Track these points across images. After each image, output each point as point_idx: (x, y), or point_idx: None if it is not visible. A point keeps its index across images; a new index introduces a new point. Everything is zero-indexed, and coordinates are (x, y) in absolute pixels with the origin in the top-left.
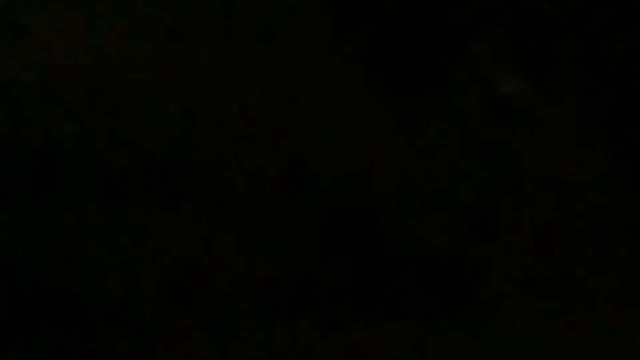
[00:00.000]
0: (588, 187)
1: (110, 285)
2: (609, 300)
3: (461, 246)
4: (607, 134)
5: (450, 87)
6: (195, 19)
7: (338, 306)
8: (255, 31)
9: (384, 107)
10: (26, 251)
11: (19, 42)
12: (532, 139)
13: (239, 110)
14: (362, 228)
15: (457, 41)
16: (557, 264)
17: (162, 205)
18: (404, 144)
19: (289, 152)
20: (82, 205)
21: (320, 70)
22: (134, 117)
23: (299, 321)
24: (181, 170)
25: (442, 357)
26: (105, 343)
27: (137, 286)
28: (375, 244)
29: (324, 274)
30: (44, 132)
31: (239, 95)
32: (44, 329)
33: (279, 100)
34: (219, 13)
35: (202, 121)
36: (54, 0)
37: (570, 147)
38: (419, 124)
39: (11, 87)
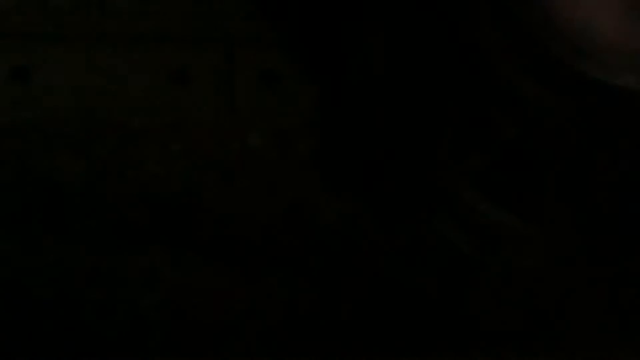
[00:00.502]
0: None
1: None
2: None
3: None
4: None
5: None
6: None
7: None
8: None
9: None
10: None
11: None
12: None
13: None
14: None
15: None
16: None
17: (166, 245)
18: None
19: (291, 192)
20: (89, 242)
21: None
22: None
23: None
24: (185, 210)
25: None
26: None
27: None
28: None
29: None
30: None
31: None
32: None
33: (280, 140)
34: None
35: (205, 160)
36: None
37: None
38: None
39: (15, 128)
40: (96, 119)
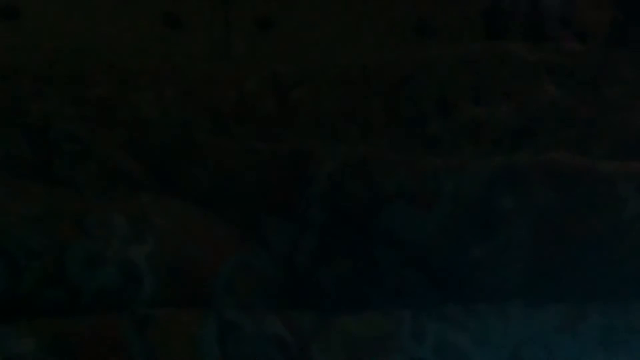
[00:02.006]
0: None
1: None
2: None
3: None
4: None
5: None
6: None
7: (338, 295)
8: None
9: None
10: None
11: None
12: None
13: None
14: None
15: None
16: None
17: (158, 192)
18: None
19: (288, 140)
20: (76, 189)
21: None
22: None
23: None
24: (179, 156)
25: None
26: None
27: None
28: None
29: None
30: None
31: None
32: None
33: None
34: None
35: (200, 106)
36: None
37: None
38: None
39: (6, 68)
40: (87, 62)
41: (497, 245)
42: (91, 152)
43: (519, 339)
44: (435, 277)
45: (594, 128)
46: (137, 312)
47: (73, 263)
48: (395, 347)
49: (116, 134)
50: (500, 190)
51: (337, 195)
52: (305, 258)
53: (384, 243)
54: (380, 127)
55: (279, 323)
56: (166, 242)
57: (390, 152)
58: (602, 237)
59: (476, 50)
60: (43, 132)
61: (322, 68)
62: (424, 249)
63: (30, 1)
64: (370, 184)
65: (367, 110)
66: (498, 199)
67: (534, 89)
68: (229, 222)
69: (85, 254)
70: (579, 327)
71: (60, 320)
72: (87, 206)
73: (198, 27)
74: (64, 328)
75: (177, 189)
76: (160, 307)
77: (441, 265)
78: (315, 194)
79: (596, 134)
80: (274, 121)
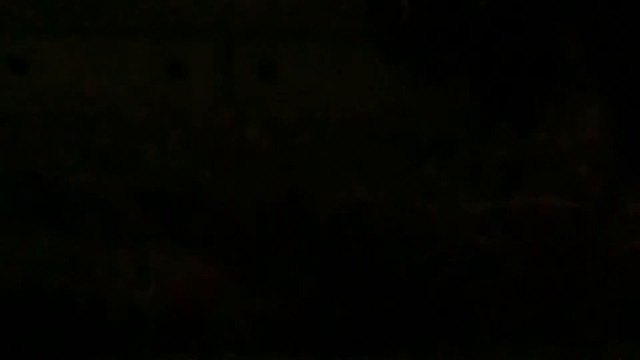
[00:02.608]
0: None
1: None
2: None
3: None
4: None
5: None
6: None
7: (336, 336)
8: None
9: None
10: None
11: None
12: None
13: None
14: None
15: None
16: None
17: (163, 236)
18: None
19: (288, 183)
20: (85, 234)
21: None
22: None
23: (297, 351)
24: (182, 203)
25: None
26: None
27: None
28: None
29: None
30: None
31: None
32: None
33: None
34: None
35: (202, 152)
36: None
37: None
38: None
39: (15, 118)
40: (93, 111)
41: (489, 286)
42: (96, 200)
43: None
44: (430, 317)
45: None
46: (141, 356)
47: (79, 306)
48: None
49: (120, 181)
50: (491, 232)
51: (334, 238)
52: (304, 299)
53: (381, 284)
54: (378, 170)
55: None
56: (168, 286)
57: (387, 195)
58: (590, 278)
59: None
60: (51, 181)
61: (322, 114)
62: (419, 290)
63: (39, 55)
64: (366, 226)
65: (366, 154)
66: (489, 240)
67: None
68: (229, 264)
69: (92, 297)
70: None
71: None
72: (94, 252)
73: (201, 75)
74: None
75: (180, 233)
76: (163, 350)
77: (436, 305)
78: (313, 237)
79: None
80: (275, 166)
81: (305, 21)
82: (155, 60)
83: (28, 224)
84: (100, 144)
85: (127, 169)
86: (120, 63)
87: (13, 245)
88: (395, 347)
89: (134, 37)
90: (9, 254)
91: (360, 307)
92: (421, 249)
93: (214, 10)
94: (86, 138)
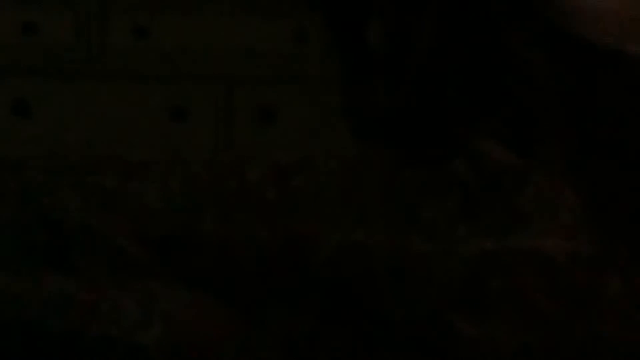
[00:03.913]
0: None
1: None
2: None
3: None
4: None
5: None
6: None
7: None
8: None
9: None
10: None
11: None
12: None
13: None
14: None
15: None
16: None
17: (166, 277)
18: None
19: (288, 226)
20: (91, 275)
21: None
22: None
23: None
24: (184, 246)
25: None
26: None
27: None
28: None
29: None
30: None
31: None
32: None
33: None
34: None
35: (203, 195)
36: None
37: None
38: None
39: (19, 161)
40: (96, 154)
41: (488, 327)
42: (101, 241)
43: None
44: (429, 357)
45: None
46: None
47: (87, 347)
48: None
49: (124, 223)
50: (489, 272)
51: (332, 279)
52: (303, 339)
53: (379, 325)
54: (377, 212)
55: None
56: (173, 326)
57: (385, 237)
58: (588, 321)
59: None
60: (57, 224)
61: (322, 157)
62: (418, 330)
63: (41, 99)
64: (363, 267)
65: (365, 196)
66: (487, 281)
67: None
68: (231, 306)
69: (98, 337)
70: None
71: None
72: (99, 293)
73: (202, 119)
74: None
75: (183, 274)
76: None
77: (435, 345)
78: (312, 278)
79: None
80: (275, 208)
81: (305, 66)
82: (158, 105)
83: (33, 265)
84: (104, 186)
85: (131, 211)
86: (123, 107)
87: (19, 286)
88: None
89: (137, 81)
90: (14, 296)
91: (358, 348)
92: (419, 290)
93: (215, 55)
94: (90, 181)
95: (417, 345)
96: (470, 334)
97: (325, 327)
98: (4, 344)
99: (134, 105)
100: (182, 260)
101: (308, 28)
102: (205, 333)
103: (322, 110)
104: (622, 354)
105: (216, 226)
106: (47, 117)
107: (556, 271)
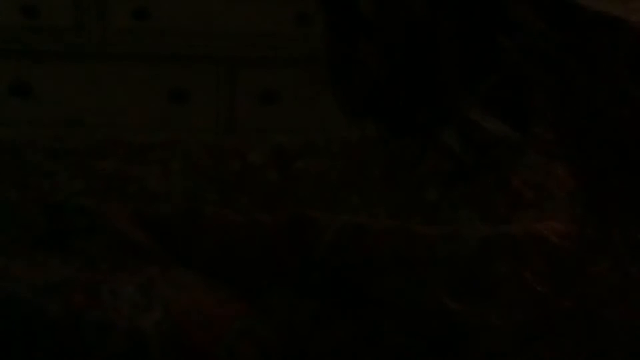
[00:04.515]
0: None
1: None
2: None
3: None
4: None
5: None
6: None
7: None
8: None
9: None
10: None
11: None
12: None
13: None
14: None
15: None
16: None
17: (166, 263)
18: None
19: (290, 209)
20: (91, 258)
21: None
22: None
23: None
24: (185, 228)
25: None
26: None
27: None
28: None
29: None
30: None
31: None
32: None
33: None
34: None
35: (205, 178)
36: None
37: None
38: None
39: (19, 144)
40: (96, 137)
41: (492, 311)
42: (101, 225)
43: None
44: (432, 342)
45: None
46: None
47: (86, 330)
48: None
49: (124, 206)
50: (492, 256)
51: (335, 262)
52: (305, 323)
53: (381, 308)
54: (380, 195)
55: None
56: (172, 311)
57: (387, 220)
58: (593, 305)
59: None
60: (57, 207)
61: (324, 139)
62: (420, 314)
63: (42, 80)
64: (366, 251)
65: (368, 179)
66: (491, 265)
67: None
68: (232, 289)
69: (98, 321)
70: None
71: None
72: (99, 277)
73: (203, 102)
74: None
75: (184, 258)
76: None
77: (437, 330)
78: (314, 262)
79: None
80: (277, 191)
81: (307, 48)
82: (159, 87)
83: (33, 249)
84: (104, 170)
85: (131, 194)
86: (123, 89)
87: (18, 269)
88: None
89: (138, 63)
90: (14, 278)
91: (360, 331)
92: (421, 273)
93: (216, 36)
94: (90, 164)
95: (419, 329)
96: (476, 318)
97: (327, 310)
98: (3, 326)
99: (134, 87)
100: (183, 244)
101: (310, 10)
102: (205, 317)
103: (324, 93)
104: (614, 331)
105: (217, 210)
106: (47, 99)
107: (552, 252)
